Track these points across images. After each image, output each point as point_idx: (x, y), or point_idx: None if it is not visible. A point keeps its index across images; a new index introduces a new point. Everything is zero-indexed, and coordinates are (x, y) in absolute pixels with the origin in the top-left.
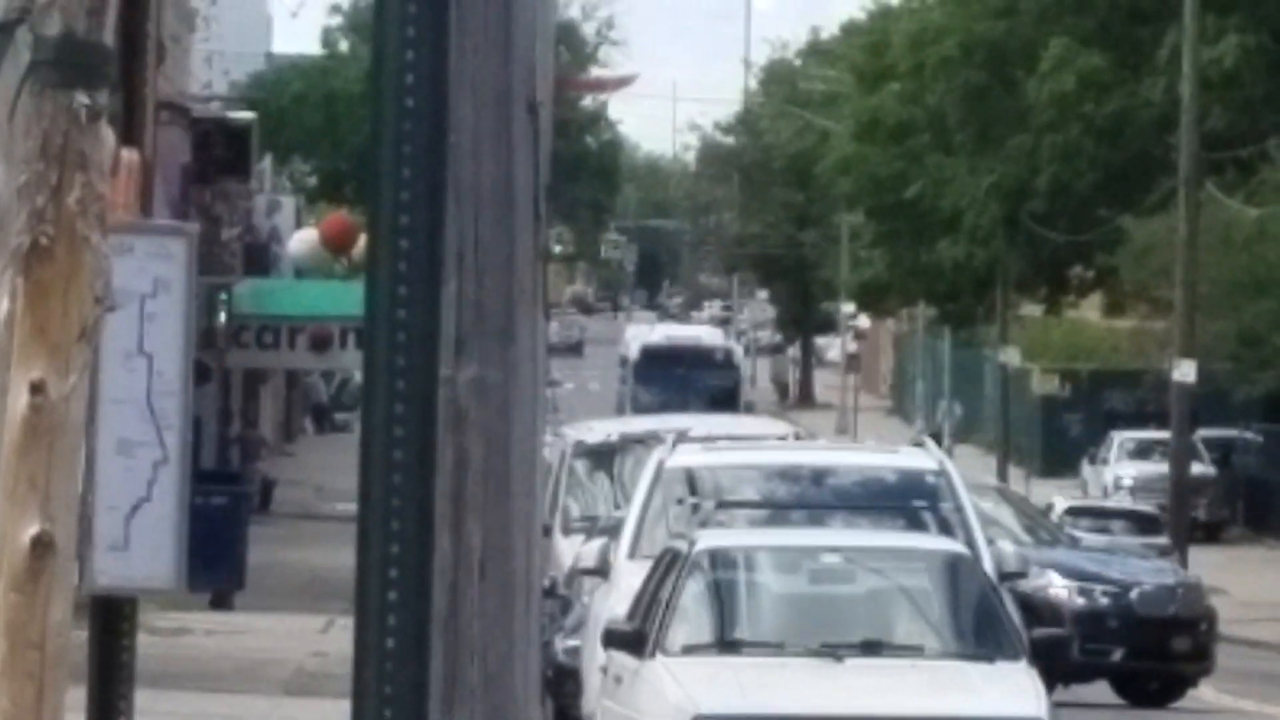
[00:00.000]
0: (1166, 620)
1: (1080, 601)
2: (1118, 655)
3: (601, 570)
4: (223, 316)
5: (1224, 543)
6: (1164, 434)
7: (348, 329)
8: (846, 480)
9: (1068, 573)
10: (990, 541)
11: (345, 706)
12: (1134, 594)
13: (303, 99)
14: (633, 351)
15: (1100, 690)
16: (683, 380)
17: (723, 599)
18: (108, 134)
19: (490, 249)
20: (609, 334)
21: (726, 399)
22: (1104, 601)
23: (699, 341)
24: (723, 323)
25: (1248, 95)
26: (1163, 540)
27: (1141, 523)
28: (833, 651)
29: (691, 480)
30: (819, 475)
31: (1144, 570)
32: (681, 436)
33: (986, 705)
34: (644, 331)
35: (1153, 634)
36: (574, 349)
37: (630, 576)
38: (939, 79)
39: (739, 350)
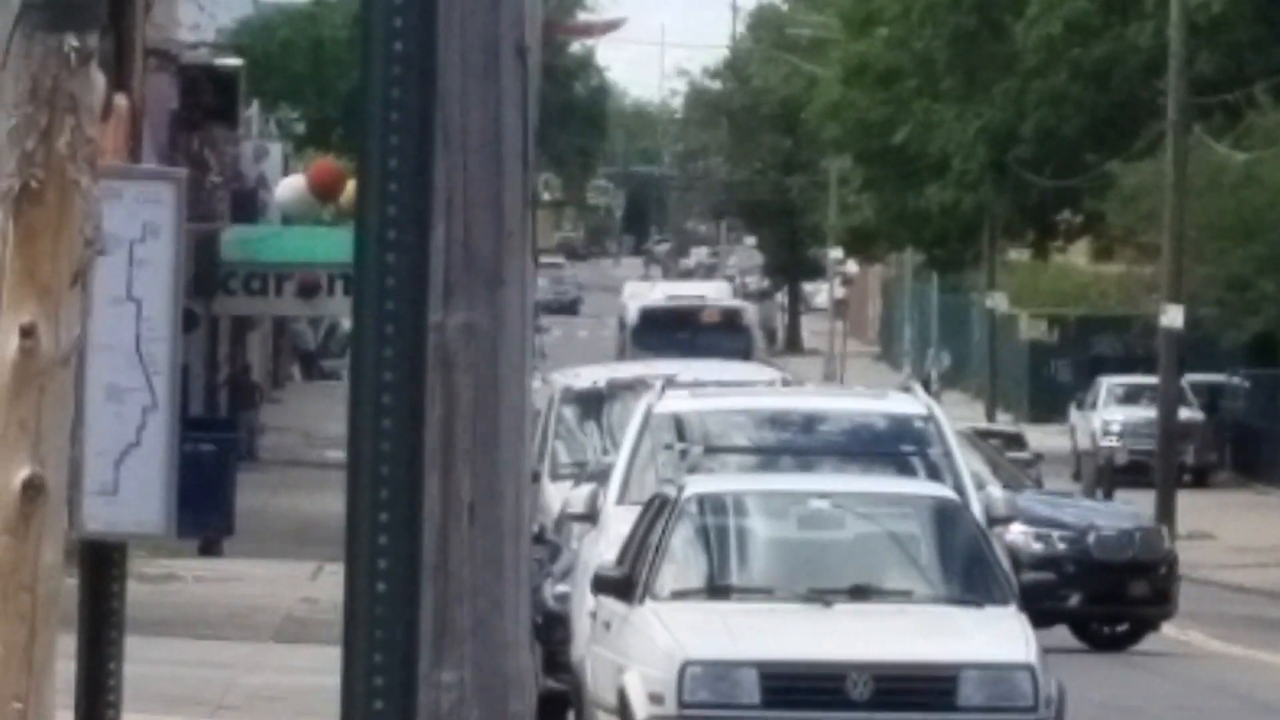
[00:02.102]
0: (1124, 565)
1: (1037, 547)
2: (1075, 600)
3: (590, 516)
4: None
5: (1212, 487)
6: (1152, 379)
7: (335, 275)
8: (835, 426)
9: (1025, 518)
10: (979, 487)
11: (335, 652)
12: (1091, 539)
13: (290, 45)
14: (630, 314)
15: (1060, 635)
16: (687, 346)
17: (711, 544)
18: (98, 78)
19: (479, 194)
20: (598, 281)
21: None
22: (1061, 547)
23: (704, 301)
24: (710, 269)
25: (1235, 40)
26: (1025, 454)
27: (1008, 440)
28: (821, 597)
29: (680, 426)
30: (807, 421)
31: (1102, 515)
32: (669, 382)
33: (975, 650)
34: (643, 290)
35: (1110, 579)
36: (569, 307)
37: (619, 522)
38: (927, 24)
39: (750, 310)
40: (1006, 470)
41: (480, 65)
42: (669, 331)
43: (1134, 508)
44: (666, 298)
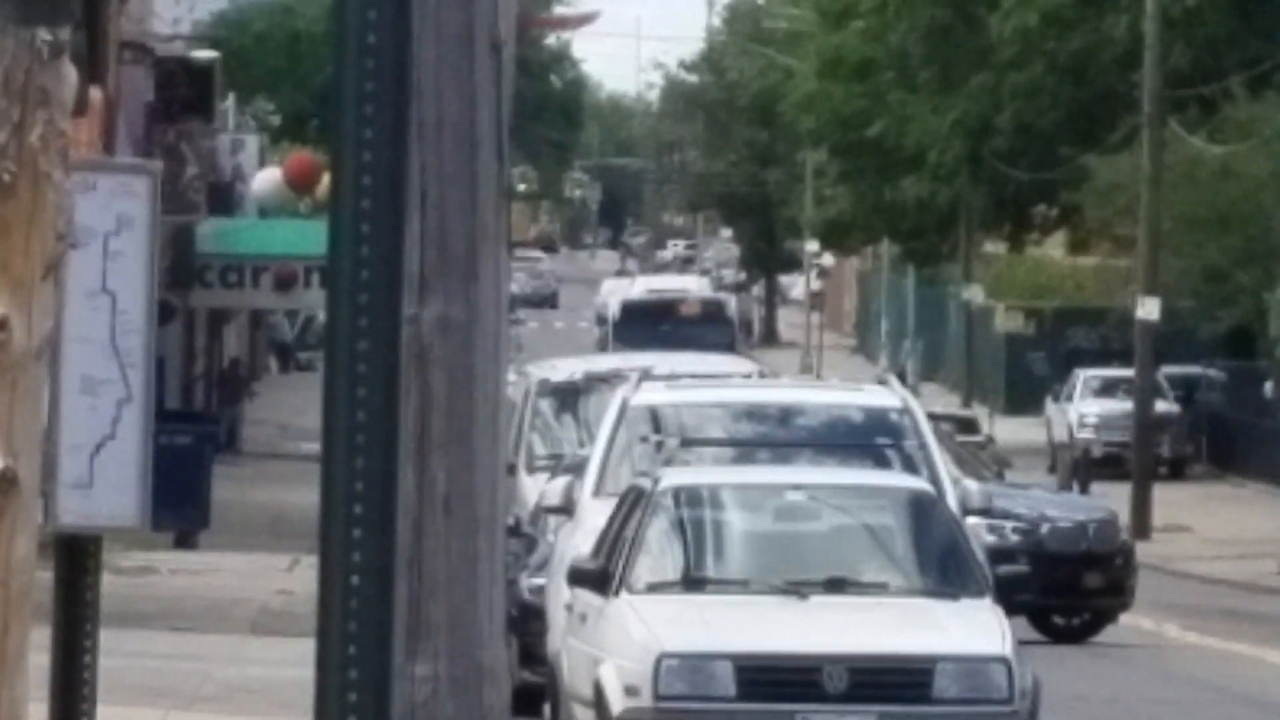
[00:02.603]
0: (1078, 556)
1: (990, 539)
2: (1029, 593)
3: (566, 508)
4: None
5: (1188, 480)
6: (1128, 371)
7: (312, 268)
8: (811, 418)
9: None
10: (955, 480)
11: (311, 645)
12: (1044, 530)
13: (266, 38)
14: (612, 309)
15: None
16: (669, 339)
17: (687, 537)
18: (70, 71)
19: (453, 188)
20: (575, 273)
21: None
22: (1014, 538)
23: (685, 295)
24: (686, 261)
25: (1211, 33)
26: (980, 438)
27: (960, 425)
28: (797, 589)
29: (656, 418)
30: (783, 413)
31: (1056, 506)
32: (646, 374)
33: (951, 642)
34: (623, 287)
35: (1064, 570)
36: (548, 301)
37: (595, 515)
38: (902, 16)
39: (732, 302)
40: (970, 463)
41: (454, 59)
42: (651, 325)
43: (1090, 499)
44: (648, 291)
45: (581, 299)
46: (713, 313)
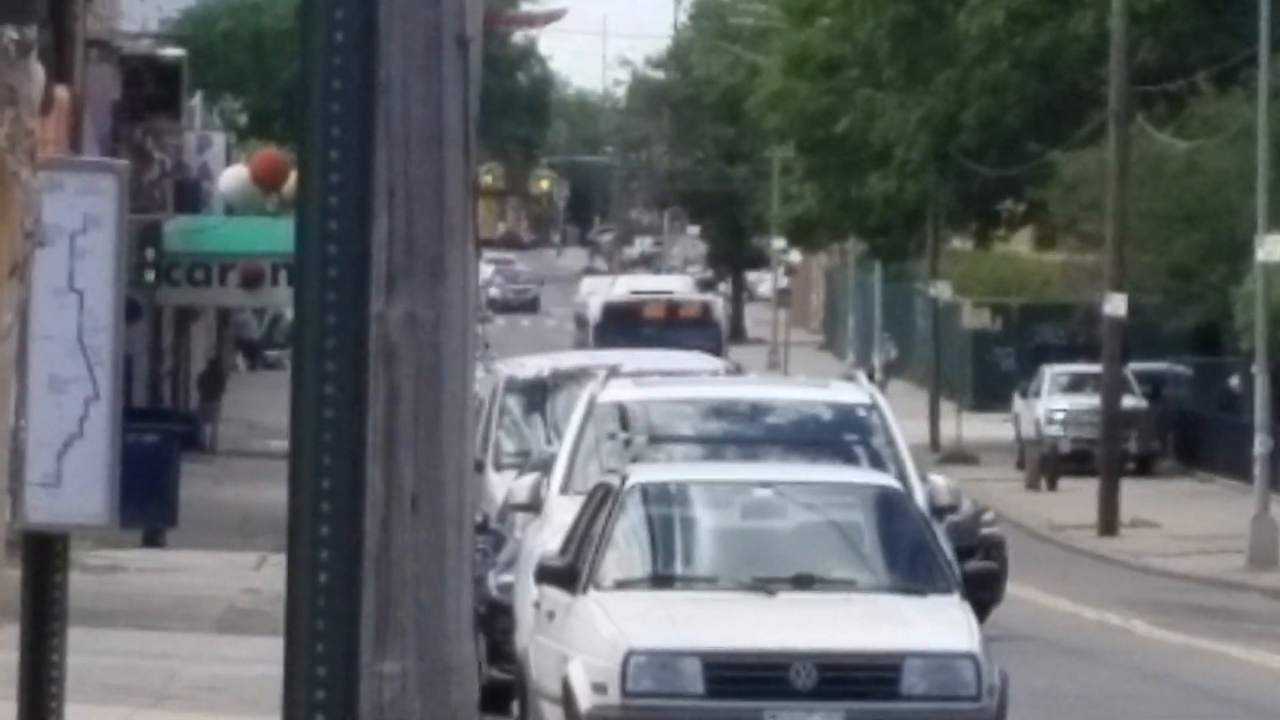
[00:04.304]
0: None
1: None
2: None
3: (534, 506)
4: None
5: (1155, 475)
6: (1095, 367)
7: (279, 265)
8: (778, 415)
9: None
10: (923, 477)
11: (279, 643)
12: None
13: (233, 35)
14: (593, 311)
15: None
16: (655, 342)
17: (655, 534)
18: (37, 70)
19: (420, 185)
20: (543, 271)
21: None
22: None
23: (670, 296)
24: (652, 258)
25: (1177, 29)
26: None
27: None
28: (765, 586)
29: (624, 415)
30: (751, 410)
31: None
32: (613, 371)
33: (918, 639)
34: (602, 286)
35: None
36: (529, 306)
37: (563, 512)
38: (868, 13)
39: (719, 304)
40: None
41: (421, 56)
42: (636, 327)
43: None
44: (630, 292)
45: (548, 297)
46: (700, 315)
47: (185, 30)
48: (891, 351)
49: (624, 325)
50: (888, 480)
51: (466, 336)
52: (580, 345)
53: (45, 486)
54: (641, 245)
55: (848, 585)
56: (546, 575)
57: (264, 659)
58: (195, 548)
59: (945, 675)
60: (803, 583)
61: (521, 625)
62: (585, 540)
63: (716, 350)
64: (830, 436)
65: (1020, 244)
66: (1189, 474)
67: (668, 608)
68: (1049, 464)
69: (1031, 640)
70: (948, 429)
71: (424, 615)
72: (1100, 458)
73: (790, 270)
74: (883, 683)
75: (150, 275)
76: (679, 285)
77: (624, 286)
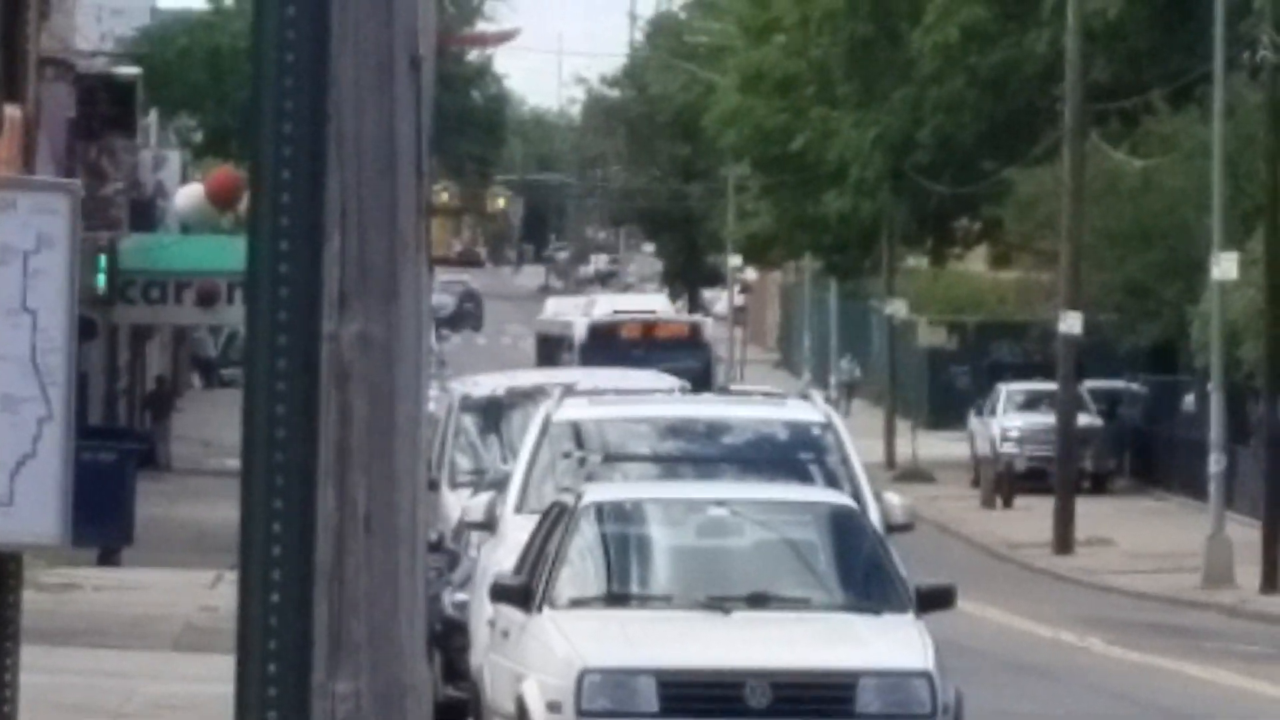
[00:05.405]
0: None
1: None
2: None
3: (489, 524)
4: (102, 279)
5: (1110, 493)
6: (1050, 385)
7: (234, 283)
8: (734, 434)
9: None
10: (877, 495)
11: (234, 661)
12: None
13: (188, 54)
14: (578, 331)
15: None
16: (642, 363)
17: (610, 552)
18: None
19: (373, 204)
20: (498, 289)
21: (700, 386)
22: None
23: (658, 316)
24: (608, 276)
25: (1132, 47)
26: None
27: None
28: (720, 604)
29: (578, 434)
30: (706, 428)
31: None
32: (568, 390)
33: (874, 657)
34: (570, 306)
35: None
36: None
37: (517, 530)
38: (824, 31)
39: (709, 324)
40: None
41: (374, 76)
42: (623, 349)
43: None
44: (614, 312)
45: (504, 314)
46: (689, 335)
47: (141, 48)
48: (855, 371)
49: (611, 344)
50: (843, 499)
51: (419, 356)
52: (557, 366)
53: None
54: (597, 263)
55: (803, 604)
56: (501, 594)
57: (221, 677)
58: (151, 566)
59: (900, 694)
60: (758, 601)
61: (476, 644)
62: (540, 559)
63: (706, 368)
64: (785, 455)
65: (976, 262)
66: (1145, 492)
67: (623, 626)
68: (1004, 482)
69: (987, 658)
70: (904, 447)
71: (377, 634)
72: (1056, 476)
73: (746, 288)
74: (838, 701)
75: (102, 281)
76: (660, 305)
77: (605, 306)
